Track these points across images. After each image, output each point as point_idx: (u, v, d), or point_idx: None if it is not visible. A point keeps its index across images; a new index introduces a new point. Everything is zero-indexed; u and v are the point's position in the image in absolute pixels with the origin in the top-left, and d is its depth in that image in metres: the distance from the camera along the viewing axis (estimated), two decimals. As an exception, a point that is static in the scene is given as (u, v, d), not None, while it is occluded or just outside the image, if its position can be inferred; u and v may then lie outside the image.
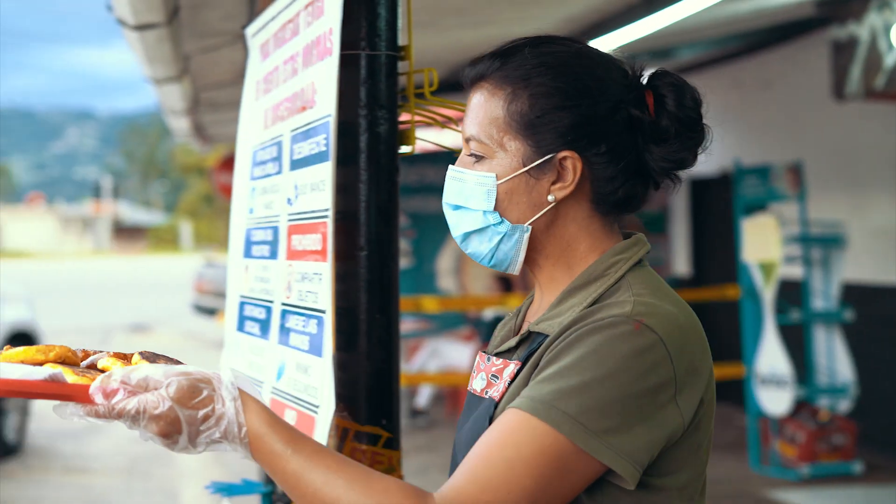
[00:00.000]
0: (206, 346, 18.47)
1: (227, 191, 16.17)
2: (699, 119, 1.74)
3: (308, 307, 2.50)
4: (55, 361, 1.63)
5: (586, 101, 1.69)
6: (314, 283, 2.48)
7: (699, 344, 1.64)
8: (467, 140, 1.78)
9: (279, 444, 1.54)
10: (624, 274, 1.70)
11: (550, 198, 1.72)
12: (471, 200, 1.76)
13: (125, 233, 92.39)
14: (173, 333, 20.53)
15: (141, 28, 5.32)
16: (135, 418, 1.52)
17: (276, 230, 2.80)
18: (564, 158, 1.70)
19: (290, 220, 2.67)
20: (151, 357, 1.65)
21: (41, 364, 1.62)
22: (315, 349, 2.43)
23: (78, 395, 1.53)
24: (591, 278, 1.72)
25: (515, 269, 1.78)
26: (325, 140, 2.42)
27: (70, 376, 1.56)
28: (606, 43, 7.92)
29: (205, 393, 1.53)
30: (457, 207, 1.78)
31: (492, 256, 1.77)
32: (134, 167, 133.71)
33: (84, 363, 1.70)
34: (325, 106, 2.44)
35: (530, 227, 1.74)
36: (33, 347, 1.65)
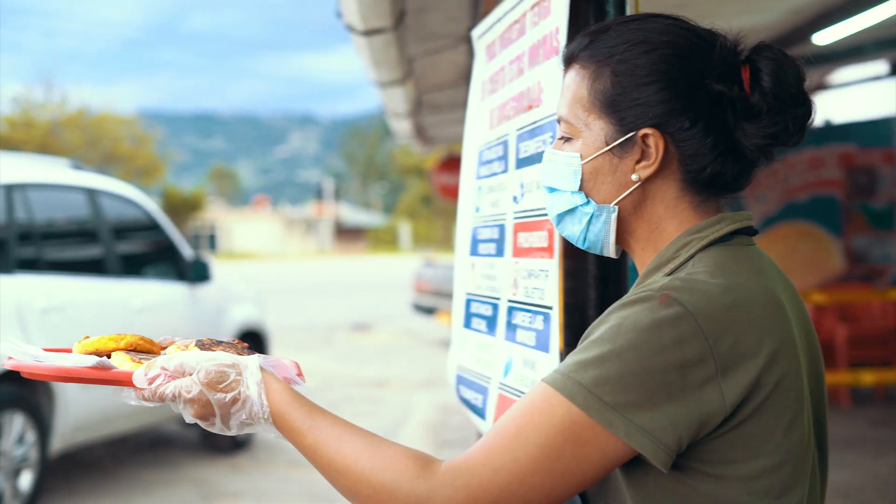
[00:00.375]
0: (426, 344, 18.71)
1: (446, 191, 16.36)
2: (797, 94, 1.66)
3: (534, 303, 2.51)
4: (126, 349, 1.78)
5: (667, 77, 1.64)
6: (540, 280, 2.50)
7: (756, 323, 1.52)
8: (559, 121, 1.77)
9: (297, 422, 1.62)
10: (694, 253, 1.64)
11: (634, 177, 1.68)
12: (560, 182, 1.75)
13: (346, 234, 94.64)
14: (393, 332, 20.87)
15: (369, 33, 5.45)
16: (173, 401, 1.64)
17: (502, 228, 2.83)
18: (646, 136, 1.66)
19: (517, 218, 2.70)
20: (209, 345, 1.76)
21: (111, 352, 1.77)
22: (542, 345, 2.45)
23: (124, 381, 1.67)
24: (663, 260, 1.68)
25: (610, 252, 1.76)
26: (552, 138, 2.44)
27: (127, 363, 1.71)
28: (832, 34, 7.69)
29: (231, 377, 1.63)
30: (551, 190, 1.78)
31: (584, 238, 1.76)
32: (354, 170, 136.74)
33: (164, 351, 1.84)
34: (552, 104, 2.46)
35: (617, 208, 1.71)
36: (106, 336, 1.80)
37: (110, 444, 9.42)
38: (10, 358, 1.74)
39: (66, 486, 8.06)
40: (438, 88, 8.59)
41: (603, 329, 1.53)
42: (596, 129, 1.70)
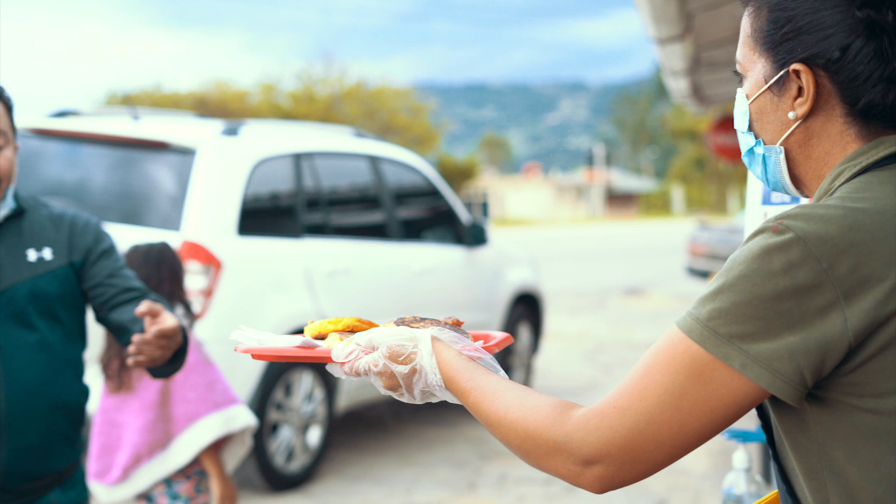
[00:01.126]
0: (701, 309, 18.43)
1: (722, 152, 16.04)
2: None
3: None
4: (343, 331, 1.93)
5: (815, 9, 1.58)
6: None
7: (884, 243, 1.44)
8: (737, 63, 1.76)
9: (462, 383, 1.71)
10: (844, 182, 1.57)
11: (791, 115, 1.63)
12: (738, 123, 1.75)
13: (617, 199, 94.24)
14: (666, 296, 20.67)
15: (650, -13, 5.40)
16: (366, 374, 1.77)
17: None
18: (798, 71, 1.60)
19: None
20: (409, 321, 1.87)
21: (328, 333, 1.93)
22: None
23: (326, 358, 1.82)
24: (819, 194, 1.62)
25: (790, 191, 1.72)
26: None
27: (337, 343, 1.84)
28: None
29: (408, 350, 1.74)
30: (741, 132, 1.76)
31: (767, 179, 1.73)
32: (625, 135, 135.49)
33: None
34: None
35: (783, 149, 1.67)
36: (326, 320, 1.96)
37: (392, 403, 9.72)
38: (240, 343, 1.92)
39: (351, 443, 8.39)
40: (717, 45, 8.41)
41: (724, 264, 1.52)
42: (758, 68, 1.68)
